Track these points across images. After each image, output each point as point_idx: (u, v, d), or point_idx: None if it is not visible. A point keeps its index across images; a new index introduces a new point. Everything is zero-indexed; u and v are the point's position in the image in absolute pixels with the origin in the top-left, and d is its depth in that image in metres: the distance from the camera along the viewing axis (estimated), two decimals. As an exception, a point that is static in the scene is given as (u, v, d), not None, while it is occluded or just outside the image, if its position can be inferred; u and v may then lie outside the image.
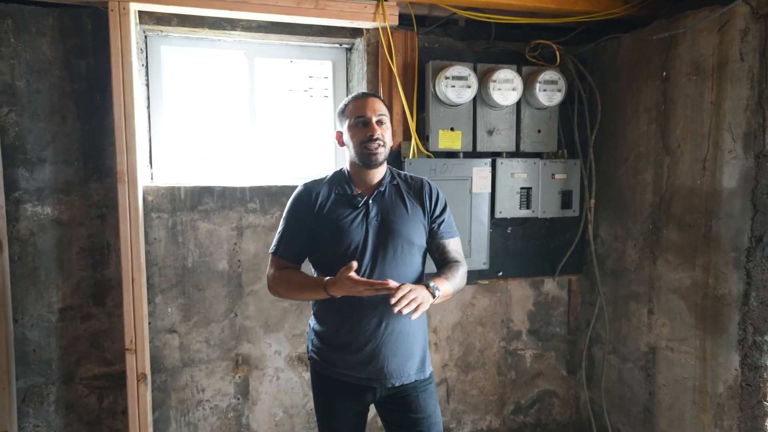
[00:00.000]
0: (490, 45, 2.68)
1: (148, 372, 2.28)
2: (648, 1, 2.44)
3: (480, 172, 2.53)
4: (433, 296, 1.59)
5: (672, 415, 2.41)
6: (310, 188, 1.76)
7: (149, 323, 2.39)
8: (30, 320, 2.29)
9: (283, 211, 1.82)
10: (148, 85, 2.49)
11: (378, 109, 1.72)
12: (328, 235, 1.70)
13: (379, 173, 1.76)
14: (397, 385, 1.71)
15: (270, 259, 1.78)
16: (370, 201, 1.73)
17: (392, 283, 1.51)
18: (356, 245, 1.68)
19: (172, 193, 2.39)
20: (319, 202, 1.73)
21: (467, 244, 2.57)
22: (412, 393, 1.75)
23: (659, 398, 2.49)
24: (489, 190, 2.56)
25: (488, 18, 2.52)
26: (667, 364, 2.43)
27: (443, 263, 1.81)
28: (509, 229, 2.75)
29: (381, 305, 1.65)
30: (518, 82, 2.43)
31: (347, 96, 1.85)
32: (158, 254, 2.39)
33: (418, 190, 1.80)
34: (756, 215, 1.98)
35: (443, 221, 1.82)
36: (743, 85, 1.99)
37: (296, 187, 1.82)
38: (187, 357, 2.48)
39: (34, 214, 2.25)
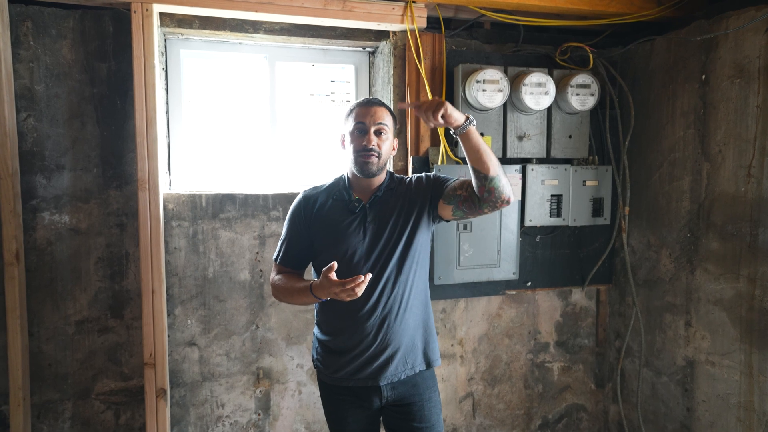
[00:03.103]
0: (518, 48, 2.60)
1: (167, 387, 2.19)
2: (683, 2, 2.37)
3: (510, 179, 2.43)
4: (467, 118, 1.56)
5: (713, 432, 2.31)
6: (309, 196, 1.81)
7: (168, 336, 2.30)
8: (46, 333, 2.21)
9: None
10: (167, 90, 2.42)
11: (379, 117, 1.70)
12: (327, 240, 1.73)
13: (377, 180, 1.77)
14: (402, 378, 1.73)
15: (275, 264, 1.84)
16: (368, 206, 1.73)
17: (362, 277, 1.48)
18: (354, 250, 1.70)
19: (193, 200, 2.31)
20: (316, 208, 1.76)
21: (496, 254, 2.48)
22: (417, 401, 1.76)
23: (698, 414, 2.38)
24: (519, 197, 2.48)
25: (516, 20, 2.45)
26: (707, 379, 2.33)
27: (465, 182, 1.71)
28: (538, 237, 2.66)
29: (380, 306, 1.68)
30: (550, 85, 2.35)
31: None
32: (178, 264, 2.31)
33: (411, 185, 1.78)
34: (808, 224, 1.89)
35: (443, 181, 1.76)
36: (794, 88, 1.90)
37: None
38: (206, 371, 2.39)
39: (51, 222, 2.18)
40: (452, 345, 2.71)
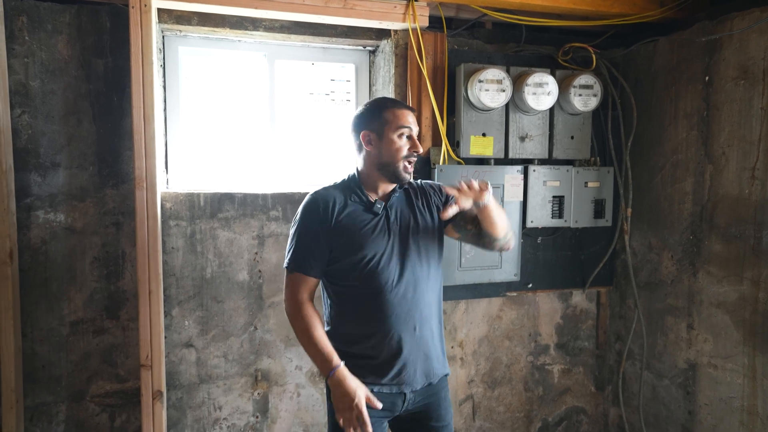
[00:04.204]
0: (520, 48, 2.58)
1: (163, 389, 2.15)
2: (686, 3, 2.36)
3: (512, 180, 2.42)
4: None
5: (715, 436, 2.30)
6: (325, 197, 1.65)
7: (165, 337, 2.26)
8: (40, 334, 2.16)
9: None
10: (165, 87, 2.39)
11: (417, 124, 1.69)
12: (350, 245, 1.62)
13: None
14: (430, 383, 1.69)
15: (287, 277, 1.64)
16: (389, 207, 1.68)
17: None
18: (381, 253, 1.63)
19: (191, 199, 2.27)
20: (336, 211, 1.62)
21: (498, 255, 2.45)
22: (434, 401, 1.72)
23: (700, 418, 2.37)
24: (521, 199, 2.46)
25: (518, 20, 2.43)
26: (709, 382, 2.31)
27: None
28: (539, 239, 2.64)
29: (412, 309, 1.64)
30: (553, 86, 2.33)
31: (372, 98, 1.75)
32: (176, 264, 2.27)
33: (427, 191, 1.78)
34: (814, 226, 1.87)
35: (452, 198, 1.76)
36: (799, 89, 1.89)
37: None
38: (204, 373, 2.35)
39: (46, 221, 2.13)
40: (452, 347, 2.68)
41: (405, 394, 1.66)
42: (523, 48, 2.59)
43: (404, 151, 1.63)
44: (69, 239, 2.16)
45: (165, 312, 2.26)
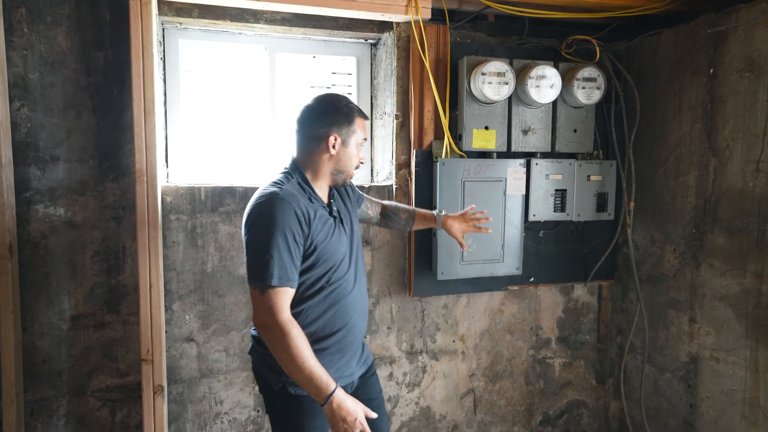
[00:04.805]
0: (523, 41, 2.56)
1: (164, 383, 2.15)
2: (690, -5, 2.34)
3: (515, 173, 2.41)
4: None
5: (717, 429, 2.30)
6: (295, 200, 1.52)
7: (166, 332, 2.25)
8: (40, 329, 2.15)
9: None
10: (165, 80, 2.36)
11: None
12: (325, 252, 1.58)
13: None
14: (369, 365, 1.81)
15: (270, 292, 1.44)
16: (339, 208, 1.71)
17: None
18: (344, 256, 1.66)
19: (192, 193, 2.25)
20: (309, 216, 1.53)
21: (500, 249, 2.45)
22: (366, 376, 1.80)
23: (702, 411, 2.37)
24: (523, 192, 2.44)
25: (521, 12, 2.41)
26: (711, 375, 2.31)
27: (386, 206, 2.05)
28: (541, 232, 2.63)
29: (365, 297, 1.75)
30: (557, 79, 2.31)
31: (327, 93, 1.69)
32: (176, 258, 2.25)
33: (347, 190, 1.83)
34: (818, 219, 1.87)
35: (358, 194, 1.93)
36: (805, 82, 1.88)
37: None
38: (205, 367, 2.34)
39: (45, 215, 2.12)
40: (453, 341, 2.68)
41: (354, 381, 1.75)
42: (526, 41, 2.57)
43: (356, 162, 1.68)
44: (69, 233, 2.15)
45: (166, 306, 2.24)
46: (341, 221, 1.68)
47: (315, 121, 1.60)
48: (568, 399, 2.93)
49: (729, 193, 2.19)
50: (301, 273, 1.54)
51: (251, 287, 1.47)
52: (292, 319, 1.48)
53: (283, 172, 1.64)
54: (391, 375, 2.60)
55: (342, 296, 1.64)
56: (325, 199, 1.67)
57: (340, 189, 1.78)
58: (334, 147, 1.60)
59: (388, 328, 2.56)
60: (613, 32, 2.65)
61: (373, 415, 1.52)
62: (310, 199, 1.58)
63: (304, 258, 1.53)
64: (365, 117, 1.68)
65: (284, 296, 1.47)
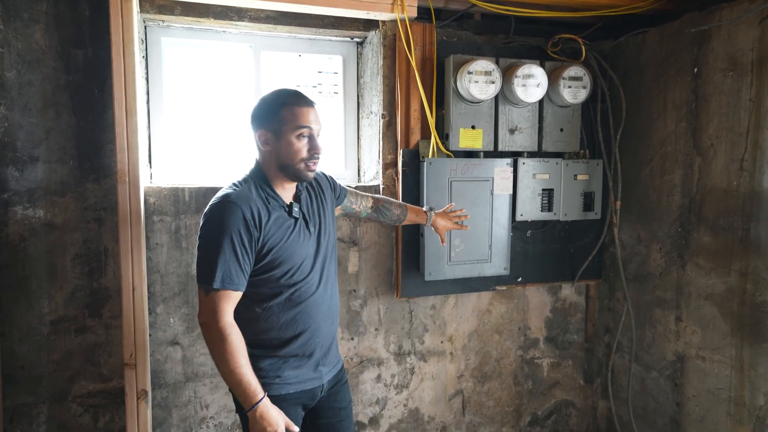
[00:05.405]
0: (509, 39, 2.56)
1: (148, 388, 2.11)
2: (675, -6, 2.35)
3: (502, 173, 2.40)
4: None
5: (704, 427, 2.31)
6: (247, 202, 1.50)
7: (150, 335, 2.21)
8: (19, 333, 2.10)
9: None
10: (147, 79, 2.33)
11: (321, 120, 1.60)
12: (280, 254, 1.55)
13: None
14: (337, 371, 1.77)
15: (213, 294, 1.46)
16: (304, 209, 1.65)
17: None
18: (306, 258, 1.62)
19: (176, 194, 2.22)
20: (263, 219, 1.51)
21: (487, 249, 2.44)
22: (338, 384, 1.79)
23: (688, 409, 2.38)
24: (510, 192, 2.44)
25: (507, 11, 2.41)
26: (697, 374, 2.32)
27: (378, 200, 2.02)
28: (529, 232, 2.63)
29: (331, 300, 1.71)
30: (543, 78, 2.31)
31: (274, 90, 1.62)
32: (160, 260, 2.22)
33: (324, 186, 1.79)
34: (802, 217, 1.88)
35: (340, 189, 1.89)
36: (788, 81, 1.89)
37: None
38: (190, 371, 2.30)
39: (24, 217, 2.07)
40: (442, 342, 2.66)
41: (323, 385, 1.72)
42: (513, 39, 2.57)
43: (303, 153, 1.55)
44: (49, 235, 2.10)
45: (149, 309, 2.21)
46: (305, 222, 1.64)
47: (251, 122, 1.62)
48: (556, 399, 2.93)
49: (714, 191, 2.20)
50: (259, 274, 1.55)
51: (198, 286, 1.51)
52: (233, 323, 1.50)
53: (246, 174, 1.63)
54: (379, 377, 2.58)
55: (304, 298, 1.61)
56: (287, 200, 1.62)
57: (315, 187, 1.74)
58: (267, 143, 1.57)
59: (376, 329, 2.54)
60: (598, 31, 2.65)
61: (295, 429, 1.55)
62: (268, 200, 1.56)
63: (259, 259, 1.53)
64: (302, 104, 1.55)
65: (227, 299, 1.48)
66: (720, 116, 2.15)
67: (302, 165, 1.56)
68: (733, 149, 2.11)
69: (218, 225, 1.47)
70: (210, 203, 1.55)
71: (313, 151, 1.56)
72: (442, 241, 2.14)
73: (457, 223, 2.16)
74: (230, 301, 1.49)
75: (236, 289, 1.50)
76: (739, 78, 2.06)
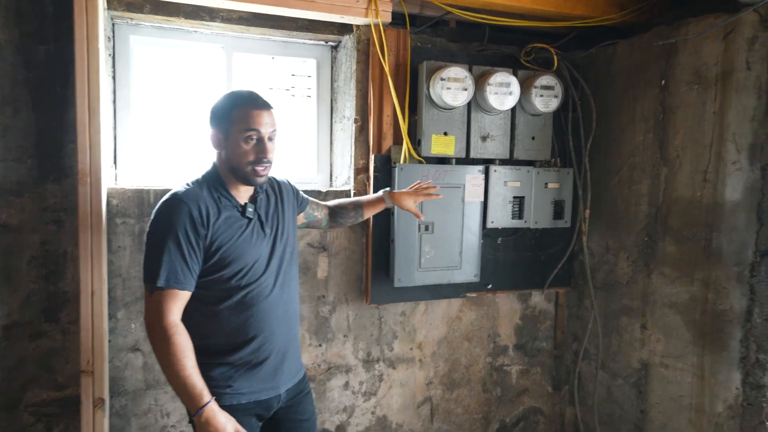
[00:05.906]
0: (483, 47, 2.58)
1: (106, 396, 2.04)
2: (645, 7, 2.40)
3: (473, 180, 2.41)
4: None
5: (667, 434, 2.34)
6: (196, 200, 1.49)
7: (109, 341, 2.14)
8: (-30, 338, 2.01)
9: None
10: (114, 78, 2.26)
11: (273, 123, 1.57)
12: (230, 254, 1.52)
13: None
14: (297, 380, 1.72)
15: (157, 294, 1.43)
16: (260, 211, 1.63)
17: None
18: (259, 259, 1.59)
19: (140, 196, 2.16)
20: (211, 217, 1.50)
21: (458, 255, 2.43)
22: (300, 396, 1.74)
23: (651, 416, 2.41)
24: (482, 199, 2.44)
25: (482, 19, 2.42)
26: (661, 382, 2.36)
27: (331, 206, 2.03)
28: (500, 239, 2.64)
29: (287, 305, 1.66)
30: (515, 86, 2.32)
31: (233, 90, 1.62)
32: (122, 264, 2.15)
33: (286, 191, 1.77)
34: (761, 229, 1.92)
35: (302, 198, 1.89)
36: (750, 95, 1.94)
37: None
38: (151, 378, 2.24)
39: (-22, 217, 1.98)
40: (411, 349, 2.65)
41: (281, 395, 1.66)
42: (487, 47, 2.58)
43: (250, 157, 1.52)
44: (4, 237, 2.02)
45: (110, 314, 2.14)
46: (261, 223, 1.61)
47: (208, 122, 1.61)
48: (524, 406, 2.94)
49: (679, 202, 2.24)
50: (209, 274, 1.52)
51: (144, 286, 1.47)
52: (179, 323, 1.46)
53: (201, 174, 1.61)
54: (347, 384, 2.55)
55: (257, 301, 1.58)
56: (242, 200, 1.60)
57: (276, 191, 1.73)
58: (219, 144, 1.57)
59: (345, 336, 2.51)
60: (571, 41, 2.69)
61: None
62: (219, 200, 1.54)
63: (207, 258, 1.50)
64: (253, 106, 1.52)
65: (172, 299, 1.45)
66: (686, 128, 2.19)
67: (249, 168, 1.53)
68: (697, 161, 2.15)
69: (165, 222, 1.46)
70: (160, 201, 1.52)
71: (261, 155, 1.52)
72: (418, 217, 2.08)
73: (426, 194, 2.08)
74: (176, 300, 1.45)
75: (183, 288, 1.46)
76: (704, 91, 2.10)
